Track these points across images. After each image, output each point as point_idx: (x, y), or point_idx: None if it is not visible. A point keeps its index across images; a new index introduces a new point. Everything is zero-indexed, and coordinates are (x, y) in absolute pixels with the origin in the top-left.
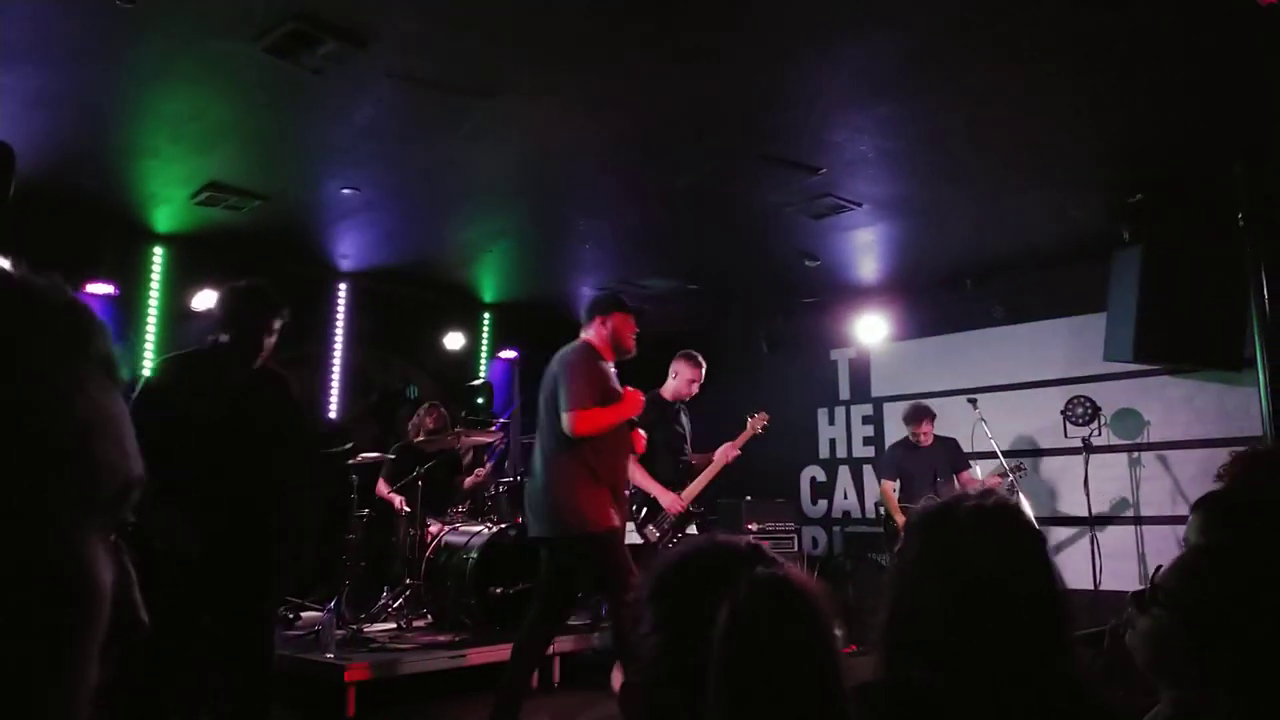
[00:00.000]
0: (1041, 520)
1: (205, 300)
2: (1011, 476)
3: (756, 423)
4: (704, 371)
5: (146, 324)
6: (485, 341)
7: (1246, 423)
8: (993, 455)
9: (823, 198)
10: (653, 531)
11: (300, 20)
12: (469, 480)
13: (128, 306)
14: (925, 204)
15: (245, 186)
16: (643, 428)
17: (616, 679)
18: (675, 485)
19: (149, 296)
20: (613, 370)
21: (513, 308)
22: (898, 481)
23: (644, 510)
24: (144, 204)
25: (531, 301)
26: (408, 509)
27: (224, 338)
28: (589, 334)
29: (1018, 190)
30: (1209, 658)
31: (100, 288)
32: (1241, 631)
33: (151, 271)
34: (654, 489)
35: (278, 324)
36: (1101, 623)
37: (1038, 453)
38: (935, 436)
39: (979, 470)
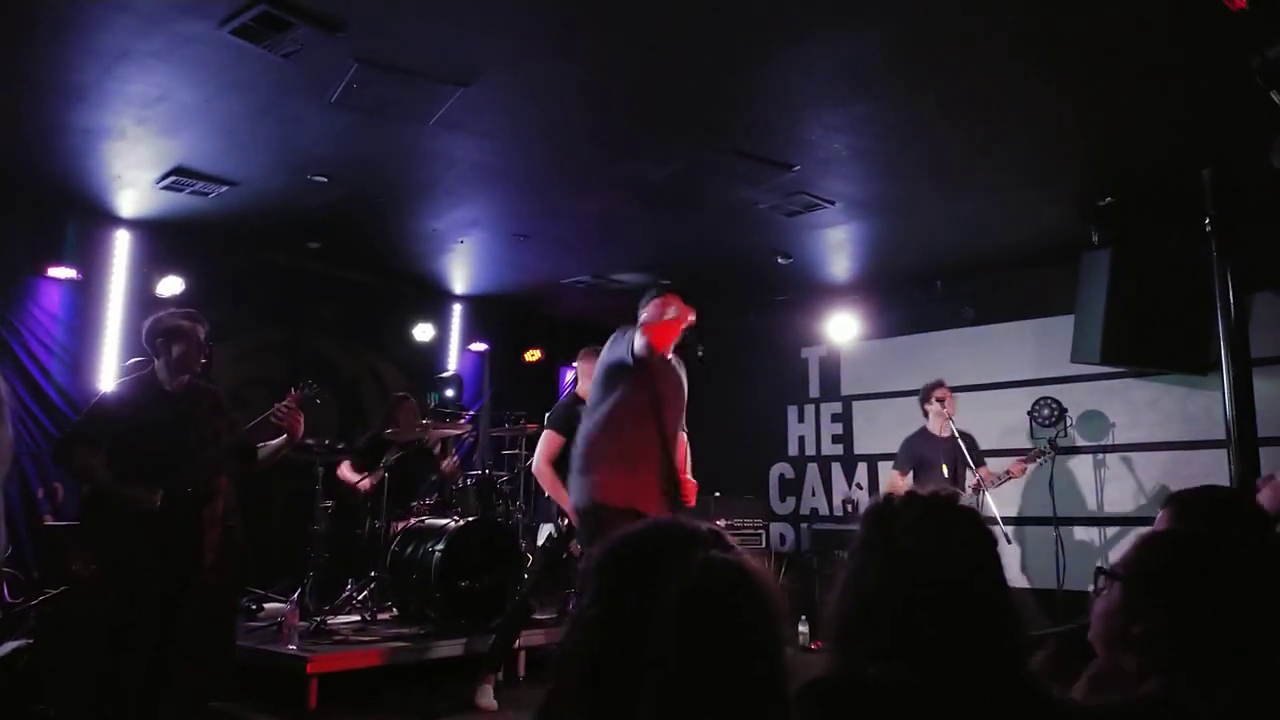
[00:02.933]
0: (1007, 520)
1: (170, 287)
2: (1042, 460)
3: None
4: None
5: (108, 310)
6: (455, 334)
7: (1210, 426)
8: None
9: (796, 195)
10: (576, 547)
11: (271, 3)
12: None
13: (90, 292)
14: (897, 203)
15: (212, 172)
16: (561, 431)
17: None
18: None
19: (112, 282)
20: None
21: (483, 301)
22: (911, 473)
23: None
24: (108, 187)
25: (502, 294)
26: (370, 495)
27: (157, 362)
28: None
29: (989, 191)
30: (1146, 629)
31: (62, 272)
32: (1181, 608)
33: (115, 257)
34: (564, 502)
35: (205, 341)
36: (1065, 622)
37: (1004, 453)
38: (954, 430)
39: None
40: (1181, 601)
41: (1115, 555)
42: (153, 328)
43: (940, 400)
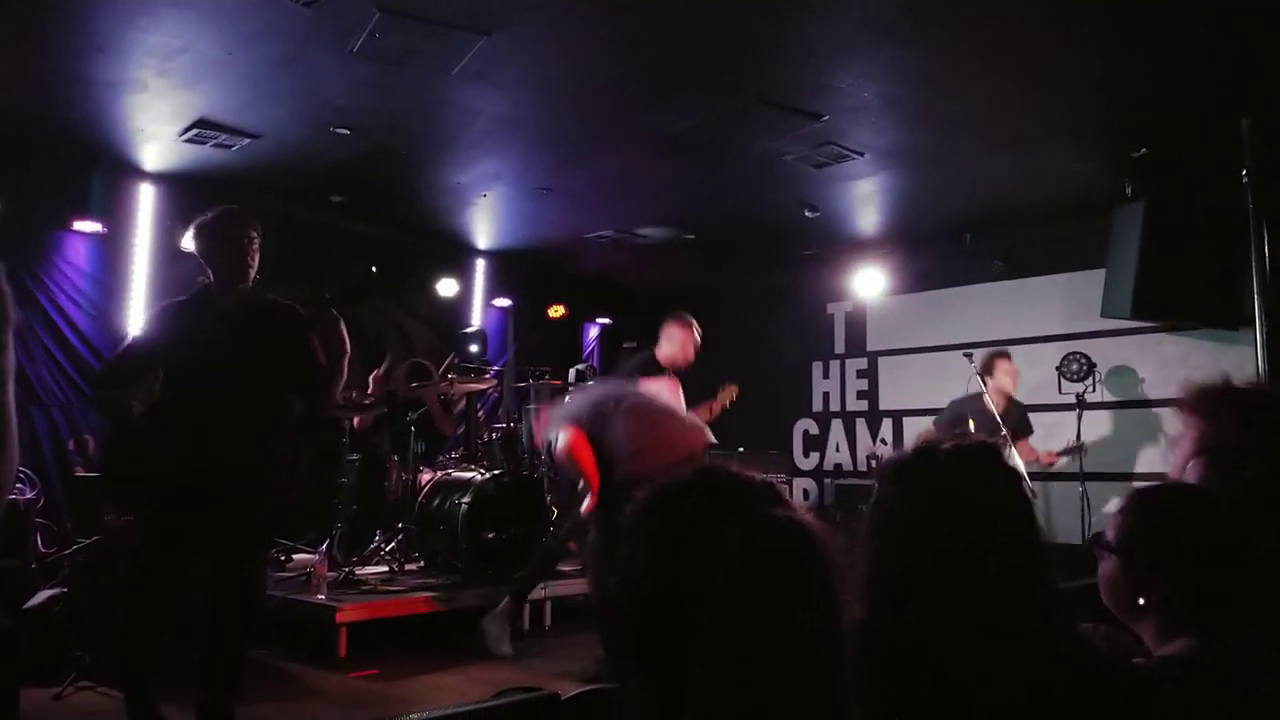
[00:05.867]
0: (1033, 475)
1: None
2: (1074, 455)
3: (726, 395)
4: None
5: (134, 264)
6: (479, 289)
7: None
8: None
9: (824, 146)
10: None
11: None
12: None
13: (115, 246)
14: (927, 155)
15: (235, 124)
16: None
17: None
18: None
19: (137, 236)
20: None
21: (507, 256)
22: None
23: None
24: (131, 140)
25: (526, 249)
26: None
27: (209, 274)
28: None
29: (1021, 143)
30: (1151, 599)
31: (87, 226)
32: (1182, 574)
33: (140, 210)
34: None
35: (251, 244)
36: (1092, 576)
37: (1032, 408)
38: (1010, 398)
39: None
40: (1181, 567)
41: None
42: (195, 234)
43: (1008, 374)
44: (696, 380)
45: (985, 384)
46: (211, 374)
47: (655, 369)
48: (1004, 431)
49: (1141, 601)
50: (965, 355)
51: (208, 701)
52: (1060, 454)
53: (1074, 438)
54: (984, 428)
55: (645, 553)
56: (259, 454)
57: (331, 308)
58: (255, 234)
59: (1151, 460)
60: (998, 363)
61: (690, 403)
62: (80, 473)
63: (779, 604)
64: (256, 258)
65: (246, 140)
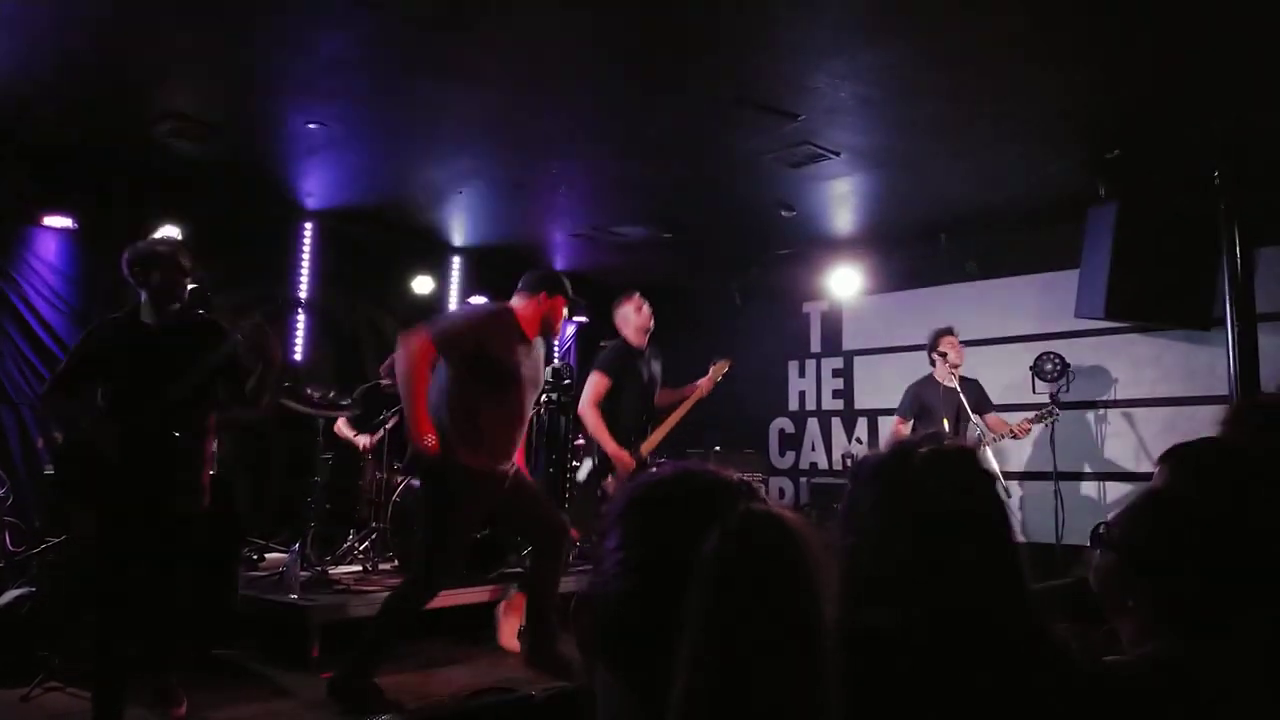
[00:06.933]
0: (1007, 475)
1: (166, 235)
2: (1047, 421)
3: (718, 369)
4: (646, 302)
5: (106, 261)
6: (454, 286)
7: (1213, 382)
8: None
9: (800, 145)
10: (611, 483)
11: None
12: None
13: (86, 241)
14: (903, 155)
15: (206, 117)
16: (609, 374)
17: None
18: (640, 435)
19: (109, 230)
20: (534, 349)
21: (483, 253)
22: (912, 422)
23: (600, 460)
24: (101, 133)
25: (502, 247)
26: (369, 453)
27: (142, 295)
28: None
29: (996, 144)
30: (1141, 593)
31: (58, 221)
32: (1171, 570)
33: (113, 206)
34: (607, 444)
35: (185, 269)
36: (1065, 576)
37: (1006, 408)
38: (962, 378)
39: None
40: (1164, 576)
41: (1113, 513)
42: (129, 257)
43: (943, 354)
44: (684, 374)
45: (935, 363)
46: (153, 388)
47: (631, 353)
48: (969, 409)
49: (1130, 604)
50: (939, 354)
51: (154, 683)
52: (1034, 422)
53: (1047, 405)
54: (950, 413)
55: (622, 552)
56: (194, 457)
57: (263, 324)
58: (188, 261)
59: (1124, 460)
60: (942, 340)
61: (682, 383)
62: (50, 471)
63: (762, 599)
64: (188, 279)
65: (219, 134)
